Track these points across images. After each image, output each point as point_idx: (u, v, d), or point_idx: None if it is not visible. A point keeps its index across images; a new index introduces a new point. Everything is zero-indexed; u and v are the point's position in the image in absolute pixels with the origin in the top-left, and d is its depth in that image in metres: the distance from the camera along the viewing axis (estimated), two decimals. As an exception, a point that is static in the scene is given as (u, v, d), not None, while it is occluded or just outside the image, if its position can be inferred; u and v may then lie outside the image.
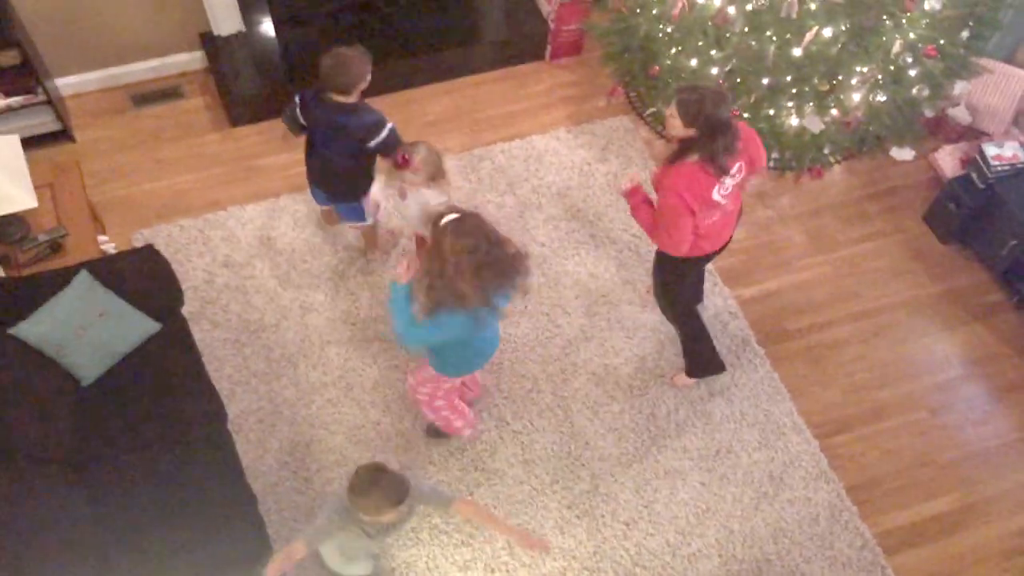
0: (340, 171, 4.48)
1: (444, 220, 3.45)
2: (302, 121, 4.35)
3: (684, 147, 3.79)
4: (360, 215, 4.73)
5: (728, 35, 5.01)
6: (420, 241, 4.67)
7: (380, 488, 3.22)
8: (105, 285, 4.13)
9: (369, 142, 4.28)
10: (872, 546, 4.39)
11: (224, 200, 5.31)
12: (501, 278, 3.50)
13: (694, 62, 5.24)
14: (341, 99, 4.20)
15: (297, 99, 4.33)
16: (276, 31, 5.85)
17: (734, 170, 3.86)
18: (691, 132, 3.73)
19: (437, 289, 3.46)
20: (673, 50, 5.36)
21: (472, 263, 3.39)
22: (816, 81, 5.10)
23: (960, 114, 5.68)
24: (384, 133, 4.27)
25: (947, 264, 5.35)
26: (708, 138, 3.72)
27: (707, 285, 5.10)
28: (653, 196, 4.07)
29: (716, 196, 3.88)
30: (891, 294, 5.22)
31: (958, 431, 4.78)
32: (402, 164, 4.21)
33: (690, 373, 4.73)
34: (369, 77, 4.20)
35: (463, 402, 4.45)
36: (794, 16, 4.71)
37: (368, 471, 3.27)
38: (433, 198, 4.33)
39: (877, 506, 4.54)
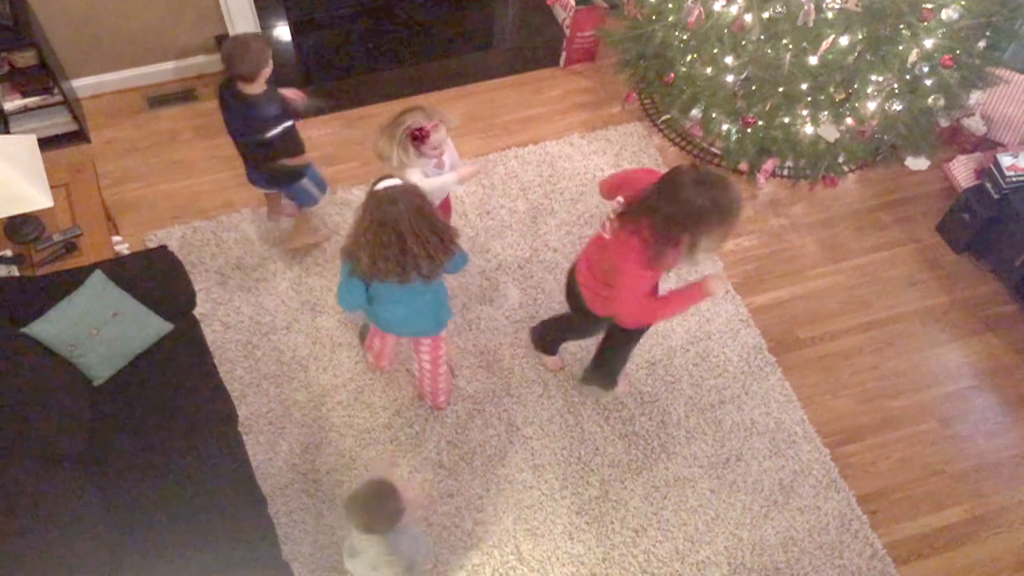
0: (260, 160, 4.50)
1: (379, 185, 3.50)
2: (224, 115, 4.35)
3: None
4: (309, 198, 4.77)
5: (744, 43, 5.00)
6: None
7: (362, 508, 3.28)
8: (119, 285, 4.15)
9: (264, 133, 4.29)
10: (882, 556, 4.38)
11: (238, 202, 5.33)
12: (395, 265, 3.51)
13: (710, 70, 5.24)
14: (247, 89, 4.19)
15: (219, 93, 4.31)
16: (292, 34, 5.88)
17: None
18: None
19: (347, 243, 3.59)
20: (689, 57, 5.35)
21: (374, 238, 3.45)
22: (832, 90, 5.08)
23: (975, 124, 5.67)
24: (277, 129, 4.29)
25: (960, 274, 5.33)
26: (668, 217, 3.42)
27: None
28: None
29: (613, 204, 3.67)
30: (904, 304, 5.20)
31: (970, 442, 4.76)
32: (421, 137, 3.99)
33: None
34: (270, 64, 4.17)
35: (390, 347, 4.51)
36: (811, 24, 4.70)
37: (354, 507, 3.30)
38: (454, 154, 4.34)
39: (887, 516, 4.52)
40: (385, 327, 4.13)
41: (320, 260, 5.11)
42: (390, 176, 3.64)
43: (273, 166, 4.49)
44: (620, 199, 3.61)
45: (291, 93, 4.54)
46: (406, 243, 3.45)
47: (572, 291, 4.14)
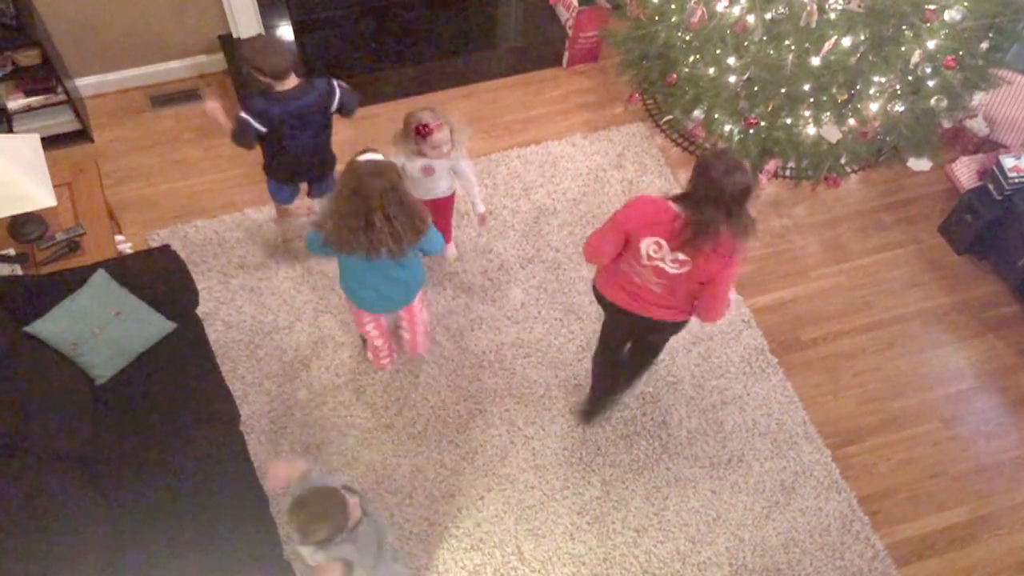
0: (316, 150, 4.52)
1: (359, 157, 3.61)
2: (262, 130, 4.25)
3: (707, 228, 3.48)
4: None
5: (747, 44, 5.00)
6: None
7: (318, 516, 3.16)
8: (121, 284, 4.15)
9: (330, 107, 4.34)
10: (883, 557, 4.38)
11: (240, 202, 5.34)
12: (358, 237, 3.60)
13: (712, 70, 5.23)
14: (288, 85, 4.21)
15: (246, 115, 4.20)
16: (295, 34, 5.88)
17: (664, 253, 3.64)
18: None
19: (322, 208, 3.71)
20: (691, 58, 5.35)
21: (344, 207, 3.55)
22: (834, 90, 5.08)
23: (978, 125, 5.66)
24: (337, 91, 4.32)
25: (962, 275, 5.33)
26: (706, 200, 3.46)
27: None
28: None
29: (649, 249, 3.63)
30: (906, 305, 5.20)
31: (971, 443, 4.76)
32: (424, 133, 4.15)
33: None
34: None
35: (386, 342, 4.58)
36: (813, 25, 4.69)
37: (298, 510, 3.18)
38: (467, 164, 4.45)
39: (889, 517, 4.52)
40: (361, 304, 4.19)
41: (322, 259, 5.11)
42: (372, 150, 3.74)
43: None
44: (655, 240, 3.59)
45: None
46: (372, 217, 3.53)
47: (629, 322, 4.01)
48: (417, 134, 4.18)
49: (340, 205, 3.58)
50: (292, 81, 4.21)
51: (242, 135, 4.27)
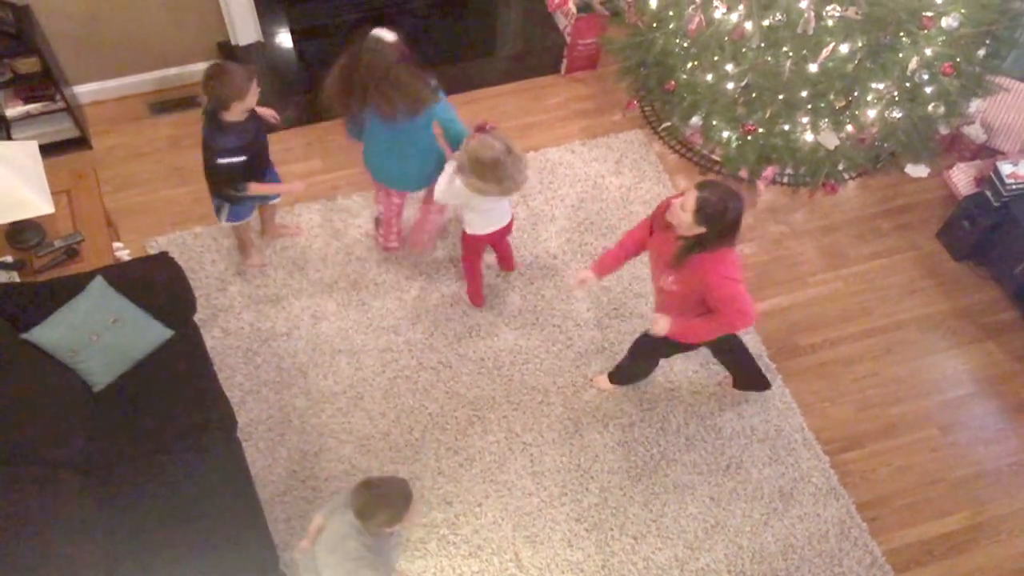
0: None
1: (375, 31, 4.23)
2: (244, 159, 4.32)
3: (694, 243, 3.62)
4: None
5: (744, 50, 5.01)
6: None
7: (384, 499, 3.31)
8: (119, 291, 4.15)
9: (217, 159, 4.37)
10: (881, 563, 4.37)
11: (239, 208, 5.34)
12: (348, 96, 4.31)
13: (710, 77, 5.25)
14: (238, 113, 4.22)
15: (224, 160, 4.28)
16: (293, 42, 5.89)
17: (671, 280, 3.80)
18: (700, 230, 3.57)
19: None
20: (689, 65, 5.37)
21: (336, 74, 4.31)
22: (832, 97, 5.09)
23: (975, 132, 5.67)
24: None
25: (960, 282, 5.34)
26: (718, 236, 3.59)
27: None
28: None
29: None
30: (904, 311, 5.20)
31: (969, 449, 4.76)
32: (482, 127, 4.33)
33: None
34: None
35: (397, 223, 5.01)
36: (811, 32, 4.71)
37: (365, 488, 3.32)
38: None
39: (887, 523, 4.52)
40: (380, 178, 4.68)
41: (319, 267, 5.12)
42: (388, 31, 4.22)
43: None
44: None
45: (264, 111, 4.57)
46: (352, 77, 4.24)
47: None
48: (479, 130, 4.31)
49: (339, 69, 4.29)
50: (236, 111, 4.21)
51: (228, 179, 4.36)
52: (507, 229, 4.75)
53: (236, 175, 4.34)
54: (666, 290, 3.84)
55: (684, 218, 3.56)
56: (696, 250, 3.61)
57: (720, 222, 3.52)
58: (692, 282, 3.71)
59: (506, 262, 5.12)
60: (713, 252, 3.62)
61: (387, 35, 4.20)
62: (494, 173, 4.17)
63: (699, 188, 3.55)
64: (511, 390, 4.79)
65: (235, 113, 4.18)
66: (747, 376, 4.70)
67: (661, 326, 3.87)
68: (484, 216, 4.56)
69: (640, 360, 4.58)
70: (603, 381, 4.77)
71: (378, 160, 4.61)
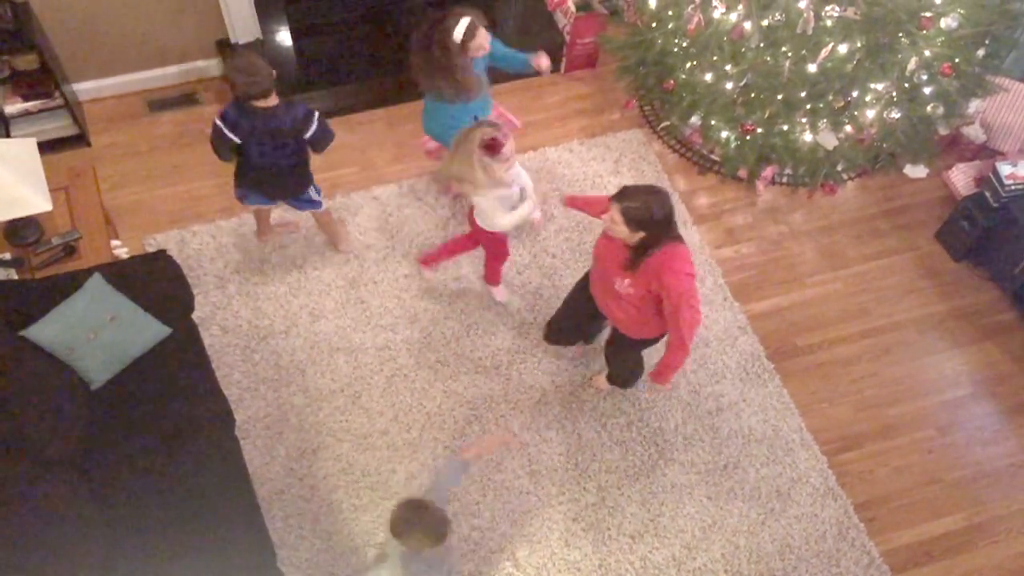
0: (287, 171, 4.53)
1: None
2: (236, 140, 4.31)
3: (641, 248, 3.65)
4: (314, 203, 4.80)
5: (744, 50, 5.01)
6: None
7: (421, 526, 3.26)
8: (117, 289, 4.15)
9: (303, 134, 4.34)
10: (879, 564, 4.37)
11: (237, 207, 5.32)
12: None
13: (709, 77, 5.25)
14: (265, 104, 4.20)
15: (220, 122, 4.27)
16: (292, 39, 5.89)
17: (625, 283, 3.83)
18: (640, 235, 3.61)
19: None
20: (688, 64, 5.37)
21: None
22: (831, 97, 5.09)
23: (974, 132, 5.67)
24: (314, 123, 4.34)
25: (959, 282, 5.34)
26: (659, 234, 3.63)
27: (718, 299, 5.14)
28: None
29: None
30: (902, 311, 5.20)
31: (967, 450, 4.76)
32: (495, 147, 4.05)
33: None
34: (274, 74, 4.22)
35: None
36: (810, 32, 4.71)
37: (407, 509, 3.28)
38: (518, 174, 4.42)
39: (884, 524, 4.52)
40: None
41: (318, 265, 5.12)
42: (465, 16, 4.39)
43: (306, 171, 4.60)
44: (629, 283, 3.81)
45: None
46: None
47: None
48: (488, 149, 4.05)
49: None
50: (270, 101, 4.21)
51: (216, 142, 4.35)
52: None
53: (220, 146, 4.36)
54: (623, 293, 3.86)
55: (620, 231, 3.63)
56: (647, 253, 3.66)
57: (652, 223, 3.57)
58: (648, 283, 3.74)
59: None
60: (662, 250, 3.66)
61: (466, 18, 4.39)
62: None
63: (618, 200, 3.59)
64: (509, 389, 4.78)
65: (264, 102, 4.20)
66: (627, 377, 4.65)
67: (655, 389, 4.28)
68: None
69: (620, 367, 4.57)
70: (601, 381, 4.77)
71: (445, 127, 4.66)
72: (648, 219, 3.56)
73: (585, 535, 4.39)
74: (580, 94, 6.06)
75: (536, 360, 4.87)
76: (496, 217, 4.33)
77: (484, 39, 4.47)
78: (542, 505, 4.46)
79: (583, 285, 4.30)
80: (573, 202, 4.41)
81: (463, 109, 4.65)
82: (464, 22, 4.37)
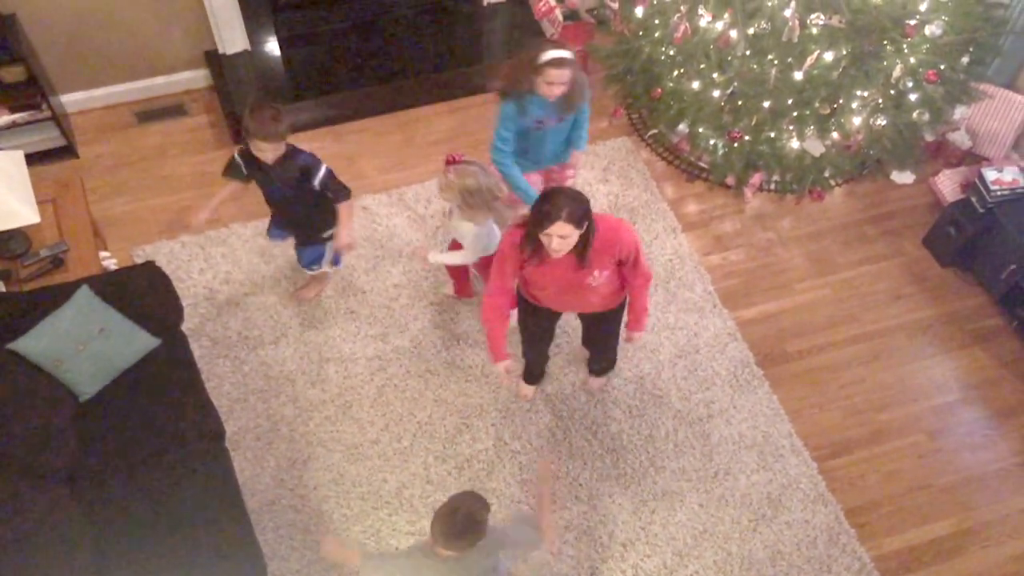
0: (295, 217, 4.54)
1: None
2: (244, 172, 4.32)
3: (587, 236, 3.58)
4: (316, 259, 4.77)
5: (730, 58, 5.04)
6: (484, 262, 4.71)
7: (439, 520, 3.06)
8: (106, 301, 4.14)
9: (308, 183, 4.25)
10: (870, 570, 4.38)
11: (226, 217, 5.33)
12: None
13: (696, 85, 5.27)
14: (264, 155, 4.12)
15: (239, 157, 4.29)
16: (281, 50, 5.89)
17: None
18: (583, 230, 3.54)
19: None
20: (675, 73, 5.39)
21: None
22: (817, 104, 5.12)
23: (960, 139, 5.70)
24: (318, 174, 4.25)
25: (946, 288, 5.36)
26: (591, 213, 3.58)
27: (707, 306, 5.14)
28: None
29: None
30: (891, 317, 5.22)
31: (956, 455, 4.77)
32: (451, 160, 4.20)
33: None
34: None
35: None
36: (795, 40, 4.73)
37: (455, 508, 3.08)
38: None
39: (875, 529, 4.53)
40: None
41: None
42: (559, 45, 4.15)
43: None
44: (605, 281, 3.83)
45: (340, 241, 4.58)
46: None
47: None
48: (447, 163, 4.20)
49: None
50: (270, 151, 4.10)
51: (229, 169, 4.38)
52: None
53: (235, 172, 4.38)
54: (594, 285, 3.81)
55: (571, 240, 3.51)
56: (592, 237, 3.59)
57: (588, 208, 3.50)
58: (611, 257, 3.73)
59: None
60: (598, 224, 3.63)
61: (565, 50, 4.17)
62: (482, 198, 4.17)
63: (556, 219, 3.42)
64: (499, 398, 4.78)
65: (256, 148, 4.09)
66: (615, 355, 4.76)
67: (637, 338, 4.19)
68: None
69: (612, 347, 4.65)
70: (596, 382, 4.81)
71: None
72: (587, 207, 3.49)
73: (577, 543, 4.39)
74: (568, 103, 6.07)
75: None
76: (466, 242, 4.42)
77: (560, 80, 4.14)
78: (533, 514, 4.45)
79: (535, 320, 4.29)
80: (501, 349, 4.11)
81: (538, 159, 4.63)
82: (555, 53, 4.10)
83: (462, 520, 3.02)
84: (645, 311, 4.10)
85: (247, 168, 4.31)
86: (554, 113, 4.37)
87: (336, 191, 4.35)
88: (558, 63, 4.08)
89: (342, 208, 4.41)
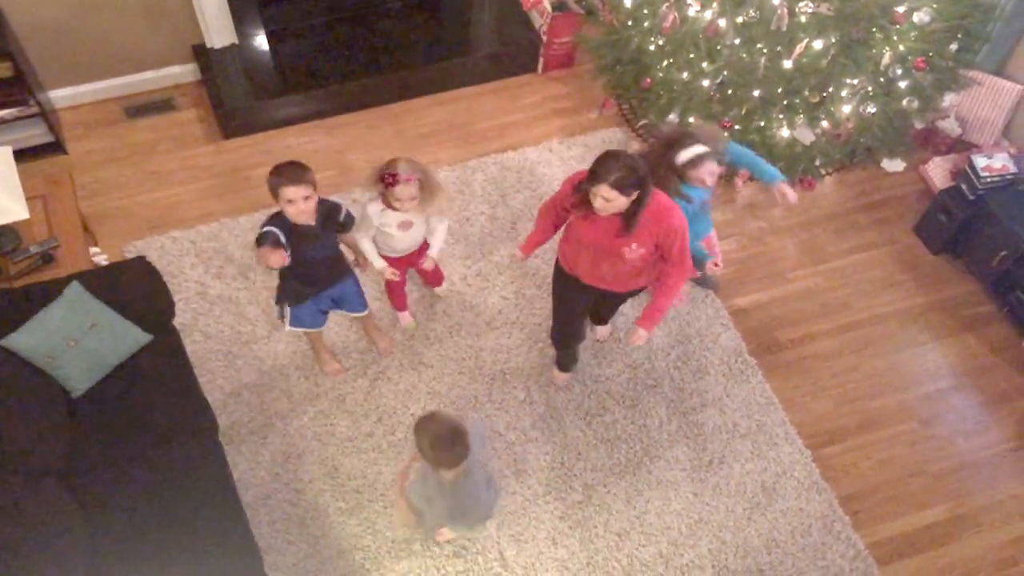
0: (330, 258, 4.26)
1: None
2: (282, 240, 3.93)
3: (637, 205, 3.64)
4: (361, 297, 4.58)
5: (719, 47, 5.03)
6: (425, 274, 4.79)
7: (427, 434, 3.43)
8: (97, 296, 4.12)
9: (339, 216, 4.11)
10: (864, 556, 4.40)
11: (217, 212, 5.31)
12: None
13: (685, 74, 5.27)
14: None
15: (274, 228, 3.91)
16: (269, 43, 5.87)
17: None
18: (634, 196, 3.60)
19: None
20: (665, 62, 5.38)
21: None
22: (807, 93, 5.12)
23: (950, 126, 5.72)
24: (343, 206, 4.12)
25: (938, 275, 5.37)
26: (649, 185, 3.64)
27: (699, 295, 5.15)
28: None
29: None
30: (882, 305, 5.24)
31: (949, 441, 4.79)
32: (390, 182, 3.98)
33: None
34: None
35: None
36: (784, 29, 4.73)
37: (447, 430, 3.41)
38: (443, 226, 4.43)
39: (869, 516, 4.54)
40: None
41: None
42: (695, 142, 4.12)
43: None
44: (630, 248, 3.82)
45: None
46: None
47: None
48: (382, 181, 4.02)
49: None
50: (312, 198, 3.86)
51: (267, 238, 3.90)
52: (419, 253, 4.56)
53: (266, 238, 3.90)
54: (631, 258, 3.85)
55: (617, 205, 3.60)
56: (644, 207, 3.66)
57: (644, 178, 3.57)
58: (654, 235, 3.77)
59: (431, 279, 5.02)
60: (653, 200, 3.69)
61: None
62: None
63: (600, 181, 3.51)
64: (493, 389, 4.78)
65: (293, 206, 3.83)
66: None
67: (640, 336, 4.03)
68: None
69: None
70: (603, 330, 4.97)
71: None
72: (642, 176, 3.56)
73: (572, 533, 4.39)
74: (558, 94, 6.07)
75: (520, 360, 4.87)
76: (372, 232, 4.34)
77: (708, 173, 4.17)
78: (528, 504, 4.46)
79: (567, 285, 4.26)
80: (528, 248, 4.28)
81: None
82: (693, 151, 4.12)
83: (447, 435, 3.38)
84: (662, 313, 4.00)
85: (286, 238, 3.91)
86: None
87: (353, 218, 4.23)
88: (698, 163, 4.15)
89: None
